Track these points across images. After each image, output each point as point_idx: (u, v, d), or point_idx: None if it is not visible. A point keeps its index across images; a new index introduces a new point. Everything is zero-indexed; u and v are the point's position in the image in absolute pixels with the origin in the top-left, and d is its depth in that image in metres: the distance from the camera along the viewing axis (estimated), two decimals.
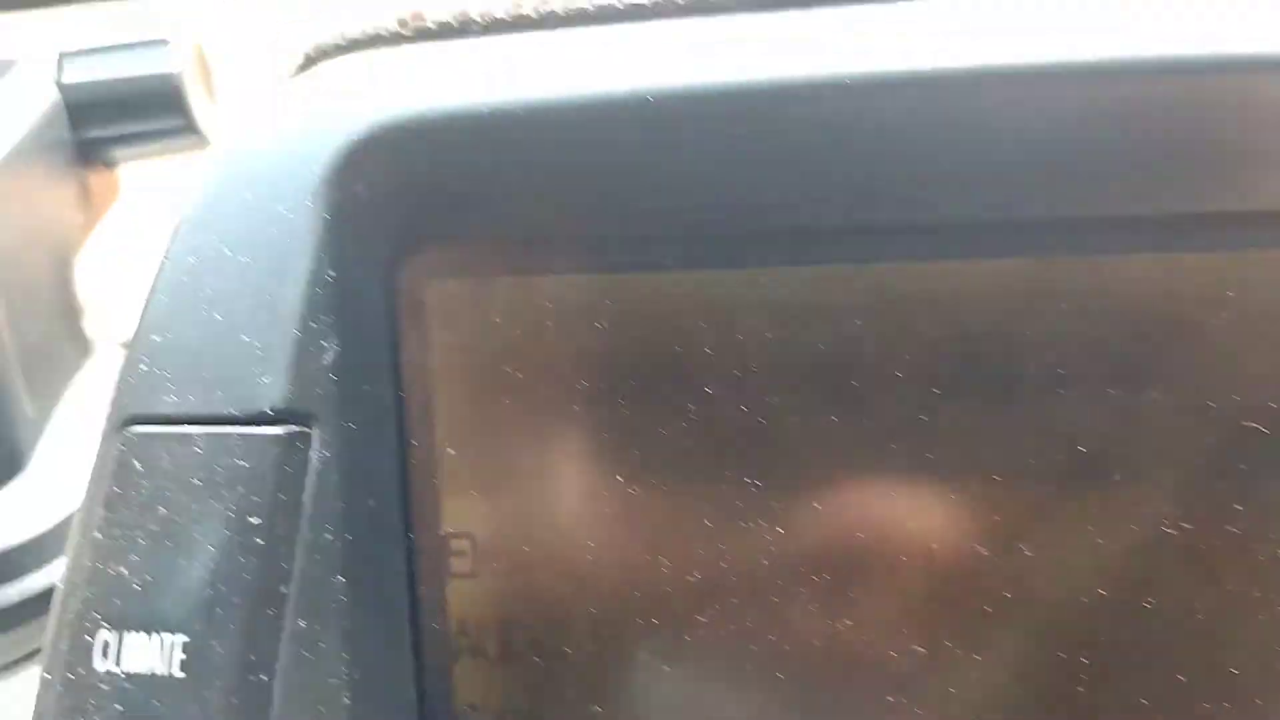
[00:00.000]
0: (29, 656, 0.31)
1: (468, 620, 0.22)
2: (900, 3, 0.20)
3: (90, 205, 0.42)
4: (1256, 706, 0.20)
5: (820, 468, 0.21)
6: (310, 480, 0.20)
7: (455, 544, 0.22)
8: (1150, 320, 0.19)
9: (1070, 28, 0.20)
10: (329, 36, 0.25)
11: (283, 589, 0.20)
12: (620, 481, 0.21)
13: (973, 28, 0.19)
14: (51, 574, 0.31)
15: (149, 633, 0.20)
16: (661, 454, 0.21)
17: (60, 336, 0.37)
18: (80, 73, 0.40)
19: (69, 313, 0.38)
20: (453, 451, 0.22)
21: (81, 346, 0.39)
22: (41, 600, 0.31)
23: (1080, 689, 0.20)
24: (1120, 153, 0.19)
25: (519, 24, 0.22)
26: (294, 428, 0.20)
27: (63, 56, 0.40)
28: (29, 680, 0.35)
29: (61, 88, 0.39)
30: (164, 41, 0.39)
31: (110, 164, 0.43)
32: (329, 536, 0.20)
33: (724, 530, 0.21)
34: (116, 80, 0.39)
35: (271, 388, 0.20)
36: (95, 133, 0.40)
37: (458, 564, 0.22)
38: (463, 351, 0.22)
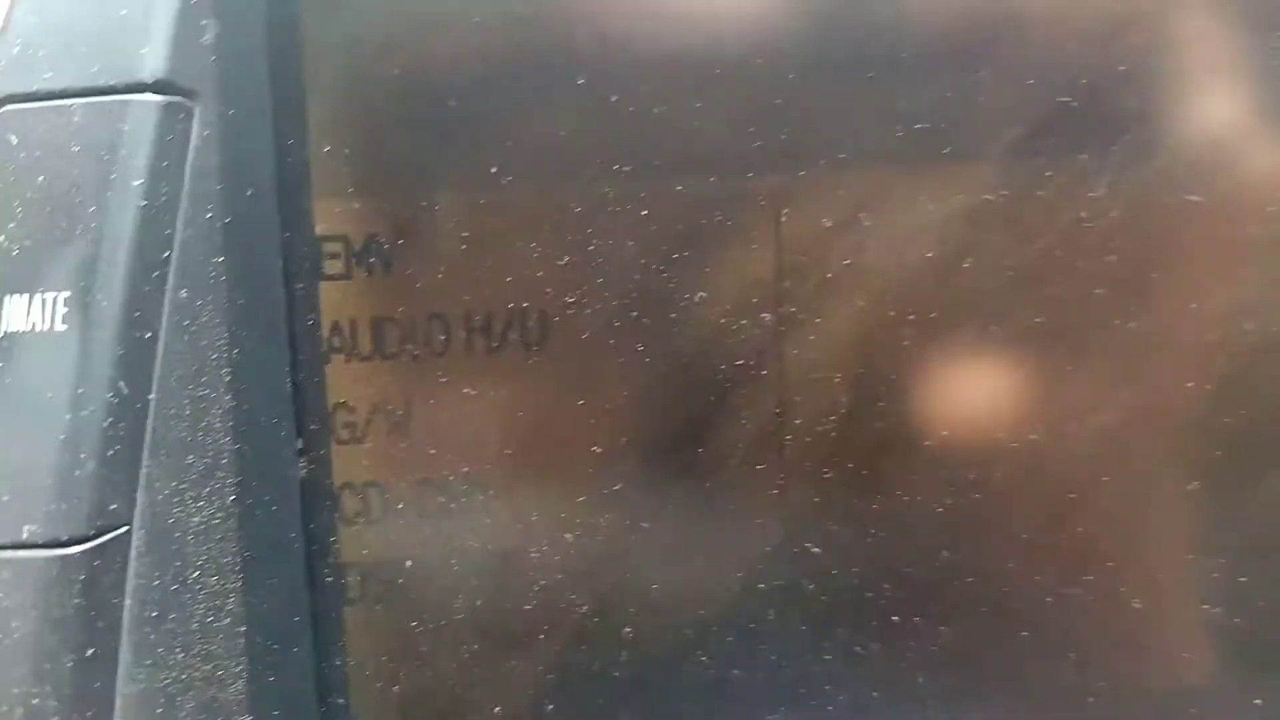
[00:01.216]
0: None
1: (340, 321, 0.24)
2: None
3: None
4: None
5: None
6: (191, 155, 0.21)
7: (329, 246, 0.23)
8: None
9: None
10: None
11: (165, 254, 0.20)
12: (492, 175, 0.23)
13: None
14: None
15: (29, 294, 0.20)
16: (530, 146, 0.23)
17: None
18: None
19: None
20: (327, 151, 0.23)
21: None
22: None
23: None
24: None
25: None
26: (175, 98, 0.21)
27: None
28: None
29: None
30: None
31: None
32: (209, 215, 0.21)
33: (594, 215, 0.23)
34: None
35: (151, 59, 0.20)
36: None
37: (331, 266, 0.23)
38: (335, 53, 0.23)
